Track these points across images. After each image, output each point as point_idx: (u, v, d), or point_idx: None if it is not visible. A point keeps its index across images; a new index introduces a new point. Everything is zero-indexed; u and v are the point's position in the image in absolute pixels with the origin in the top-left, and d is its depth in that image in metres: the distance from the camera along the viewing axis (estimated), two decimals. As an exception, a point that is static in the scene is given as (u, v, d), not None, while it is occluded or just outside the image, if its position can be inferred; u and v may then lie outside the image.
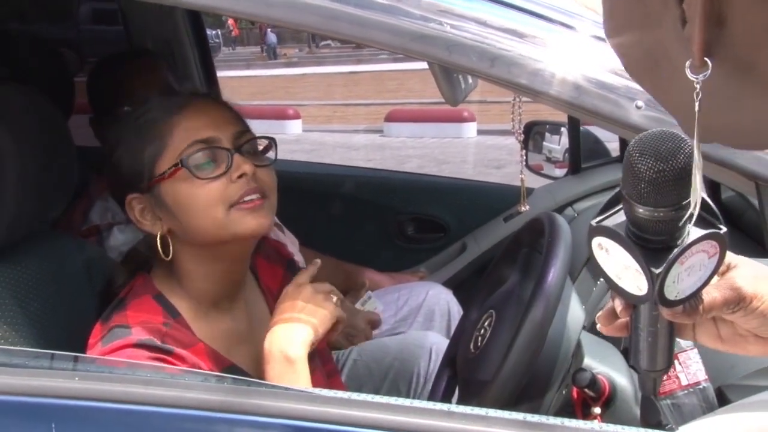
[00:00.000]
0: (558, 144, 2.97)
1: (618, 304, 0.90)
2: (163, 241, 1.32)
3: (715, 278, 0.84)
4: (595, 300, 2.00)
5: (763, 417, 1.03)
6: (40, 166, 1.38)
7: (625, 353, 1.48)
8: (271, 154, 1.39)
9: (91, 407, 1.04)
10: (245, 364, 1.37)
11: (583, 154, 2.81)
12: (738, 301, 0.84)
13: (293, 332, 1.29)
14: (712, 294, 0.84)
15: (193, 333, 1.32)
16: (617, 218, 0.84)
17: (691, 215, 0.77)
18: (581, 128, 2.75)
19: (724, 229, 0.81)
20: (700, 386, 1.25)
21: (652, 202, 0.77)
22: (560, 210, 2.69)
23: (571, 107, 1.09)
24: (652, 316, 0.88)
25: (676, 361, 1.26)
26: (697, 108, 0.54)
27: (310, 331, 1.30)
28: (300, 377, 1.26)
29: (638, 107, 1.06)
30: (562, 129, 2.87)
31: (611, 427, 1.13)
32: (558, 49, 1.07)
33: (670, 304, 0.82)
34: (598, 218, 0.85)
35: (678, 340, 1.28)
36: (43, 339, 1.35)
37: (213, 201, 1.27)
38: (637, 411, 1.33)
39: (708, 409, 1.24)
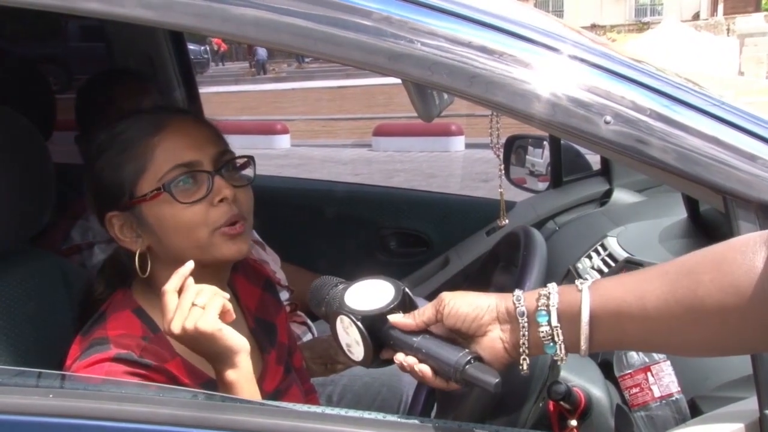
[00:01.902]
0: (541, 158, 2.98)
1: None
2: (142, 259, 1.33)
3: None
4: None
5: (734, 428, 1.04)
6: (16, 184, 1.39)
7: (602, 366, 1.49)
8: (249, 172, 1.40)
9: (65, 424, 1.04)
10: None
11: (565, 168, 2.83)
12: (439, 302, 1.07)
13: None
14: (421, 310, 1.09)
15: (172, 348, 1.32)
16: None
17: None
18: (562, 142, 2.77)
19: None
20: (673, 398, 1.26)
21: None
22: (542, 223, 2.71)
23: (544, 124, 1.10)
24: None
25: (648, 374, 1.27)
26: None
27: None
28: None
29: (607, 122, 1.07)
30: (545, 142, 2.88)
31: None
32: (534, 67, 1.08)
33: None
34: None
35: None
36: (20, 356, 1.35)
37: (196, 223, 1.30)
38: (613, 422, 1.34)
39: (681, 420, 1.25)
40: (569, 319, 1.00)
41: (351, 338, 1.11)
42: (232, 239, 1.32)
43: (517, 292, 1.05)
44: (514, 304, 1.04)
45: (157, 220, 1.31)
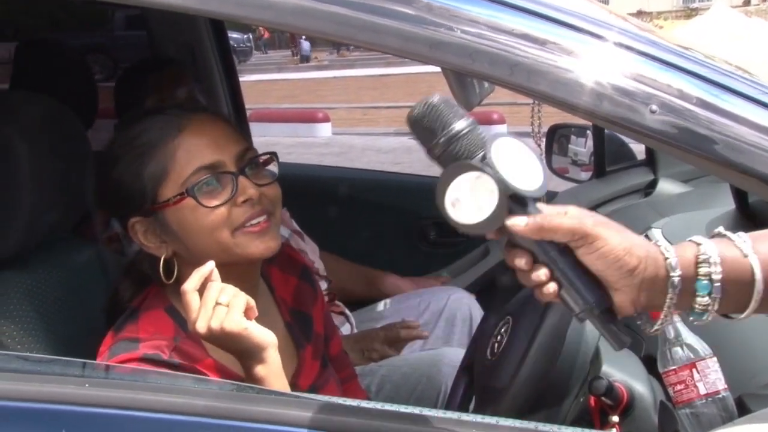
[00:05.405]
0: (584, 147, 2.94)
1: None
2: (167, 265, 1.31)
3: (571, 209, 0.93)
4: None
5: (784, 427, 1.01)
6: (56, 173, 1.39)
7: (645, 360, 1.46)
8: (273, 168, 1.37)
9: (100, 414, 1.05)
10: None
11: (608, 157, 2.78)
12: (581, 235, 0.91)
13: None
14: (559, 218, 0.91)
15: (204, 348, 1.29)
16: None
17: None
18: (606, 131, 2.73)
19: None
20: (720, 395, 1.23)
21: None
22: (584, 214, 2.66)
23: (588, 114, 1.07)
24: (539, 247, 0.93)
25: (694, 370, 1.24)
26: None
27: None
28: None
29: (653, 111, 1.04)
30: (588, 132, 2.84)
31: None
32: (578, 55, 1.05)
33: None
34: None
35: (696, 348, 1.27)
36: (59, 345, 1.37)
37: (218, 225, 1.27)
38: (657, 419, 1.31)
39: (727, 418, 1.21)
40: (733, 287, 0.92)
41: (473, 199, 0.92)
42: (258, 236, 1.28)
43: (668, 253, 0.93)
44: (667, 270, 0.92)
45: (179, 224, 1.28)
